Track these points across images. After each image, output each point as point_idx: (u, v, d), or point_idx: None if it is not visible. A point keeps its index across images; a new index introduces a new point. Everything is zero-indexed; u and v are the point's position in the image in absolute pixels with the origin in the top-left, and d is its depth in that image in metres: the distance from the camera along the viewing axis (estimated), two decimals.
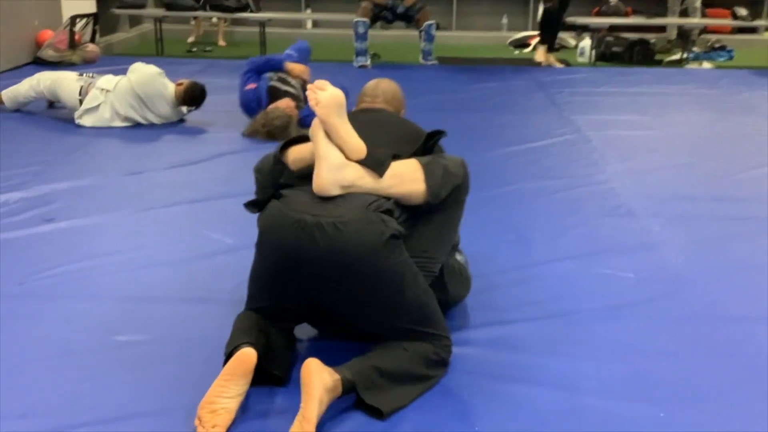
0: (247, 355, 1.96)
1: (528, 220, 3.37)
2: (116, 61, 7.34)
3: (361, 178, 2.08)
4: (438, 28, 9.30)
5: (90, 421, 1.93)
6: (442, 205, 2.19)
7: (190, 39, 8.63)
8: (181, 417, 1.93)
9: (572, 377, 2.16)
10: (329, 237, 1.97)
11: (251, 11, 7.89)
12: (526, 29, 9.29)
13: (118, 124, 4.84)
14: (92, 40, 7.55)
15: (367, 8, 7.26)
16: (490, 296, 2.63)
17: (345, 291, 2.05)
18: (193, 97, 4.92)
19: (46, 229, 3.18)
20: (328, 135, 2.09)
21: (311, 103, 2.10)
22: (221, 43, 8.77)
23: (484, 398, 2.06)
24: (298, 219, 2.01)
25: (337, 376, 1.92)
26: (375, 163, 2.11)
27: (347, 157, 2.09)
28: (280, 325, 2.18)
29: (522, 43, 8.86)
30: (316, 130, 2.10)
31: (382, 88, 2.55)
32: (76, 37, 7.14)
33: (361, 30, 7.22)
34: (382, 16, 7.42)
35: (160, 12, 8.16)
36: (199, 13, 8.30)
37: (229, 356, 2.00)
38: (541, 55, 7.49)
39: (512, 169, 4.13)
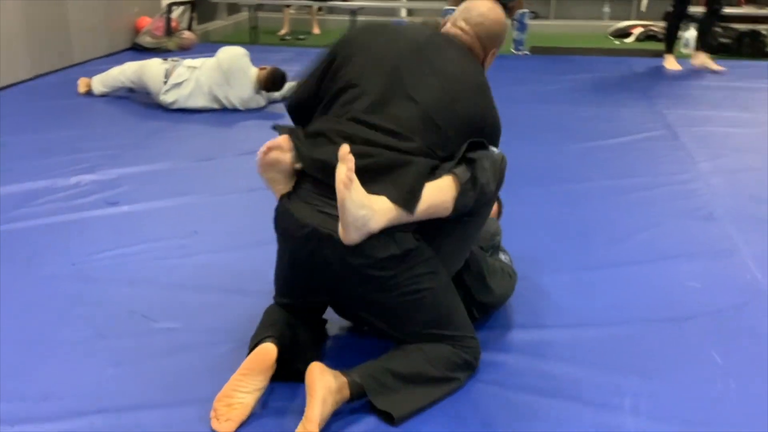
0: (267, 351, 1.92)
1: (595, 220, 3.18)
2: (212, 48, 7.43)
3: (390, 221, 1.85)
4: (535, 16, 9.08)
5: (109, 408, 1.93)
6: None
7: (283, 30, 8.69)
8: (201, 409, 1.91)
9: (616, 396, 2.00)
10: (342, 250, 1.86)
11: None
12: (628, 18, 8.88)
13: (200, 102, 4.90)
14: (189, 27, 7.73)
15: None
16: (535, 299, 2.49)
17: (360, 298, 1.98)
18: (274, 81, 4.95)
19: (109, 212, 3.25)
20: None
21: (258, 155, 1.98)
22: (315, 31, 8.81)
23: (511, 412, 1.93)
24: (311, 230, 1.90)
25: (343, 379, 1.85)
26: (404, 198, 1.85)
27: None
28: (307, 318, 2.13)
29: (623, 33, 8.48)
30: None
31: (480, 12, 2.16)
32: (173, 24, 7.32)
33: None
34: None
35: (256, 0, 8.26)
36: (293, 2, 8.36)
37: (251, 350, 1.97)
38: (699, 58, 6.59)
39: (589, 166, 3.92)
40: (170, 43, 7.23)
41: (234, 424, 1.83)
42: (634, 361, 2.16)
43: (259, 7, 8.24)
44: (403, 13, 9.43)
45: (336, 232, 1.83)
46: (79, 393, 1.99)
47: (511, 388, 2.03)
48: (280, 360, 1.94)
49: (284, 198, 2.01)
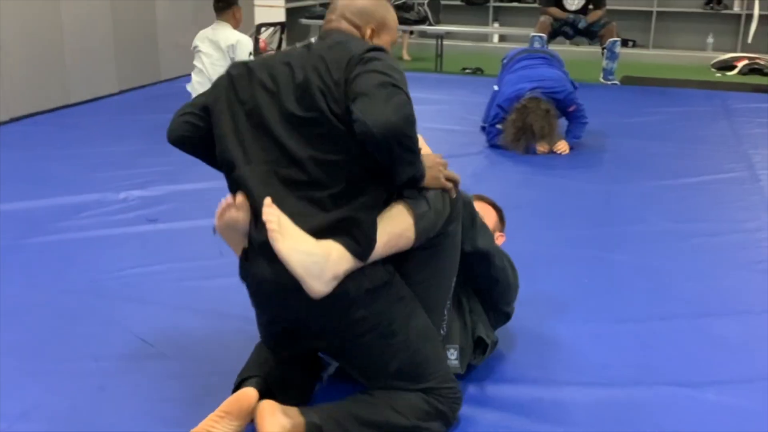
0: (247, 397, 1.82)
1: (641, 267, 2.95)
2: None
3: (350, 264, 1.73)
4: (633, 45, 8.75)
5: None
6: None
7: None
8: None
9: None
10: (307, 301, 1.72)
11: (429, 24, 7.81)
12: (734, 50, 8.42)
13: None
14: (279, 48, 7.86)
15: (545, 23, 6.90)
16: (548, 349, 2.32)
17: (332, 343, 1.88)
18: None
19: (144, 229, 3.27)
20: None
21: (216, 213, 1.83)
22: (405, 57, 8.77)
23: None
24: (273, 283, 1.76)
25: (300, 419, 1.74)
26: (359, 246, 1.73)
27: None
28: (298, 358, 2.03)
29: (727, 66, 8.03)
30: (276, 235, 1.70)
31: None
32: (261, 44, 7.45)
33: (537, 45, 6.87)
34: (562, 31, 7.03)
35: None
36: None
37: (235, 389, 1.89)
38: None
39: (652, 206, 3.67)
40: None
41: None
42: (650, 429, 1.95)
43: None
44: (496, 38, 9.30)
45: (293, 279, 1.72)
46: (55, 414, 1.96)
47: None
48: (273, 396, 1.85)
49: (243, 254, 1.86)
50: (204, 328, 2.43)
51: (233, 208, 1.80)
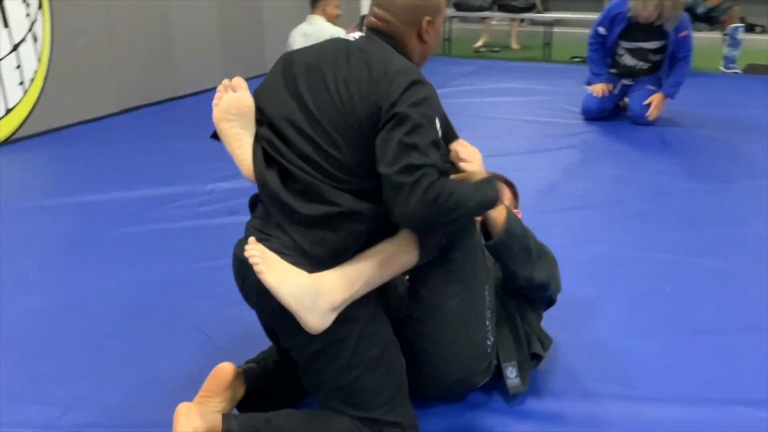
0: (221, 372, 1.83)
1: (730, 273, 2.76)
2: None
3: (351, 287, 1.69)
4: (762, 30, 8.19)
5: (123, 426, 1.96)
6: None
7: (479, 42, 8.55)
8: None
9: None
10: (256, 282, 1.67)
11: (537, 11, 7.59)
12: None
13: None
14: None
15: None
16: (609, 359, 2.21)
17: (284, 341, 1.82)
18: None
19: (225, 221, 3.34)
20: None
21: (213, 102, 1.81)
22: (514, 46, 8.57)
23: None
24: (239, 261, 1.76)
25: (216, 426, 1.69)
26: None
27: (243, 174, 1.79)
28: None
29: None
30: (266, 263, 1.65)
31: None
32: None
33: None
34: None
35: (449, 12, 8.22)
36: (486, 14, 8.21)
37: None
38: None
39: (753, 208, 3.41)
40: None
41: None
42: None
43: (453, 18, 8.18)
44: None
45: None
46: (107, 406, 2.03)
47: None
48: (258, 389, 1.89)
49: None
50: None
51: (229, 88, 1.80)
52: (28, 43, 4.62)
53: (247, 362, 1.97)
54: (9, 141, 4.58)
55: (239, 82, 1.82)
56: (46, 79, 4.76)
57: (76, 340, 2.37)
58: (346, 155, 1.71)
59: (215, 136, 1.88)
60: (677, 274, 2.77)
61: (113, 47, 5.22)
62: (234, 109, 1.80)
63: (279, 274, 1.63)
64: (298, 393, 1.96)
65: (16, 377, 2.15)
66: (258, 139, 1.81)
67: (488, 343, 1.94)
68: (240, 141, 1.80)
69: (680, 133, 4.74)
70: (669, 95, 4.84)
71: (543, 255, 2.09)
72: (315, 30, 5.02)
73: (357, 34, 1.89)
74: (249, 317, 2.47)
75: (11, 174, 4.14)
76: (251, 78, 7.18)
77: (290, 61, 1.86)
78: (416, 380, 1.86)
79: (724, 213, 3.37)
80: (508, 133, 4.73)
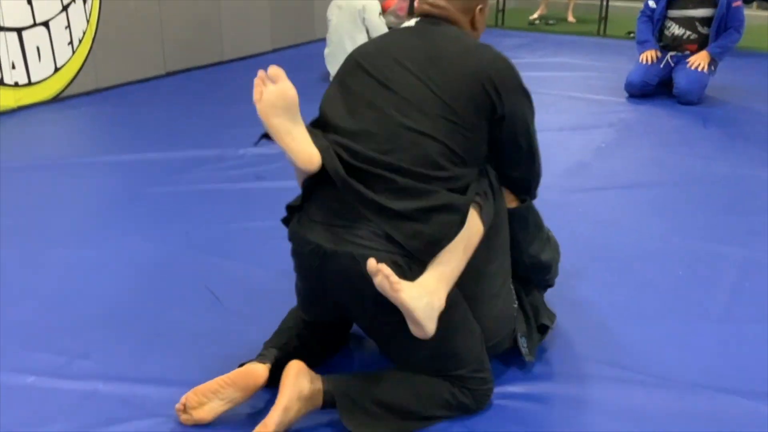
0: (256, 374, 1.84)
1: (758, 262, 2.69)
2: None
3: (447, 289, 1.74)
4: None
5: (124, 378, 2.03)
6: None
7: (536, 14, 8.40)
8: None
9: None
10: (345, 268, 1.73)
11: None
12: None
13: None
14: (410, 8, 7.80)
15: None
16: (612, 343, 2.19)
17: (366, 320, 1.88)
18: None
19: (251, 185, 3.40)
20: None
21: (255, 97, 1.73)
22: (570, 19, 8.40)
23: None
24: (315, 246, 1.77)
25: (320, 386, 1.77)
26: (420, 250, 1.72)
27: (299, 166, 1.72)
28: (326, 329, 2.06)
29: None
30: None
31: None
32: (416, 4, 7.41)
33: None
34: None
35: None
36: None
37: (258, 356, 1.93)
38: None
39: None
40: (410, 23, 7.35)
41: (191, 422, 1.81)
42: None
43: None
44: None
45: (341, 246, 1.72)
46: (111, 358, 2.10)
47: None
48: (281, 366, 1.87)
49: (294, 217, 1.87)
50: (272, 288, 2.49)
51: (267, 80, 1.71)
52: (78, 4, 4.74)
53: (266, 347, 1.96)
54: (57, 99, 4.73)
55: (278, 72, 1.72)
56: (94, 39, 4.88)
57: (93, 294, 2.46)
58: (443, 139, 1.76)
59: (265, 136, 1.81)
60: (695, 261, 2.71)
61: (161, 10, 5.31)
62: (280, 102, 1.70)
63: (408, 289, 1.64)
64: (333, 348, 2.07)
65: (30, 326, 2.25)
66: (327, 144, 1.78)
67: (514, 306, 2.01)
68: (292, 134, 1.72)
69: (725, 116, 4.61)
70: (713, 53, 4.79)
71: (551, 240, 2.18)
72: (347, 3, 5.03)
73: (413, 21, 1.93)
74: (259, 280, 2.55)
75: (56, 130, 4.28)
76: (300, 44, 7.21)
77: (357, 62, 1.90)
78: None
79: (757, 201, 3.27)
80: (548, 108, 4.66)
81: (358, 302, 1.80)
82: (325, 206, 1.78)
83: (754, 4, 6.80)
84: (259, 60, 6.13)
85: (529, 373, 2.05)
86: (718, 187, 3.45)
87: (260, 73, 1.72)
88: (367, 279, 1.67)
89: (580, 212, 3.13)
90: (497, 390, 1.94)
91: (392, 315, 1.71)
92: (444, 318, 1.74)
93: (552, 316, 2.17)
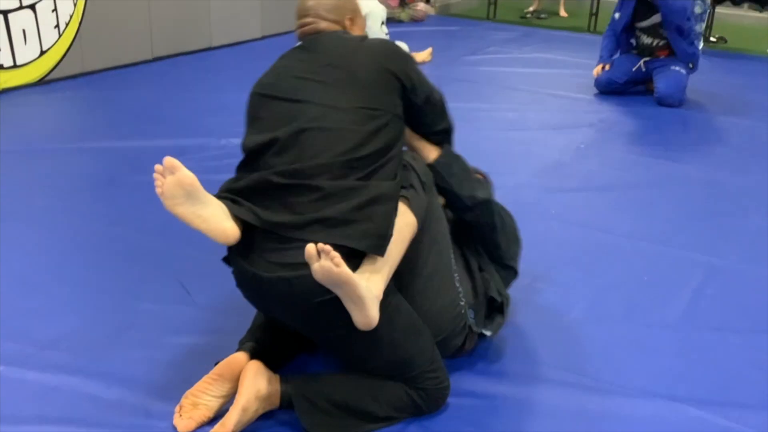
0: (237, 361, 1.90)
1: (723, 269, 2.75)
2: (447, 21, 7.54)
3: (384, 274, 1.78)
4: None
5: (85, 371, 2.08)
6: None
7: (531, 8, 8.40)
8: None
9: None
10: (283, 293, 1.78)
11: None
12: None
13: None
14: (428, 0, 7.81)
15: None
16: (569, 347, 2.25)
17: (315, 335, 1.94)
18: None
19: (229, 177, 3.43)
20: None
21: (157, 192, 1.76)
22: (562, 13, 8.39)
23: None
24: (252, 275, 1.82)
25: (277, 387, 1.82)
26: (374, 246, 1.76)
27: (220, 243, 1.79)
28: None
29: None
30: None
31: None
32: (393, 2, 7.40)
33: (697, 10, 6.35)
34: None
35: None
36: None
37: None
38: None
39: (762, 201, 3.36)
40: (403, 15, 7.35)
41: (194, 424, 1.85)
42: None
43: None
44: None
45: (278, 272, 1.77)
46: (79, 348, 2.15)
47: None
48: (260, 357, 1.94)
49: (233, 249, 1.89)
50: None
51: (166, 171, 1.74)
52: None
53: (244, 340, 2.02)
54: (42, 82, 4.73)
55: (173, 163, 1.75)
56: (81, 23, 4.87)
57: (66, 281, 2.50)
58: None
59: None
60: (661, 266, 2.77)
61: None
62: (180, 191, 1.75)
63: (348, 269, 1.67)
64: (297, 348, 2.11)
65: (1, 312, 2.29)
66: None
67: (461, 303, 2.03)
68: (202, 217, 1.78)
69: (706, 119, 4.66)
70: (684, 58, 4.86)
71: (486, 184, 2.23)
72: None
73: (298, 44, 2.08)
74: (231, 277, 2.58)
75: (40, 113, 4.30)
76: (290, 32, 7.17)
77: (261, 95, 2.00)
78: None
79: (729, 206, 3.32)
80: (530, 106, 4.70)
81: (305, 320, 1.85)
82: (261, 234, 1.82)
83: (745, 4, 6.81)
84: (248, 46, 6.13)
85: (487, 374, 2.10)
86: (692, 190, 3.50)
87: (157, 167, 1.75)
88: (307, 297, 1.74)
89: (553, 213, 3.18)
90: (455, 389, 1.98)
91: (340, 328, 1.77)
92: (389, 325, 1.79)
93: (507, 296, 2.20)
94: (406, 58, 2.03)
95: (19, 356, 2.09)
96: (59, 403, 1.92)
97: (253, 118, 1.99)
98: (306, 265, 1.67)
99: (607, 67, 5.10)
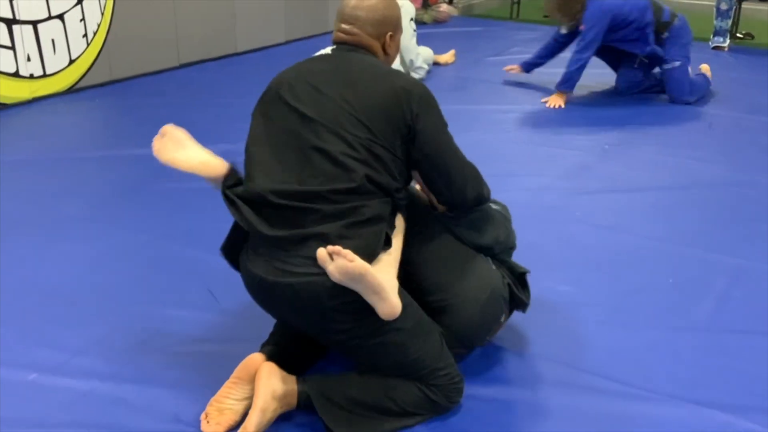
0: (253, 362, 1.93)
1: (749, 271, 2.73)
2: (470, 22, 7.53)
3: (392, 266, 1.87)
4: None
5: (108, 376, 2.12)
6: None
7: None
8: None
9: None
10: (289, 299, 1.83)
11: None
12: None
13: None
14: (450, 1, 7.80)
15: None
16: (589, 349, 2.24)
17: (324, 339, 1.97)
18: None
19: None
20: None
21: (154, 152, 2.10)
22: None
23: None
24: (259, 279, 1.87)
25: (293, 387, 1.86)
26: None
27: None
28: None
29: None
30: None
31: (352, 5, 2.02)
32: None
33: (723, 6, 6.31)
34: None
35: None
36: None
37: None
38: None
39: None
40: (426, 16, 7.36)
41: (221, 428, 1.88)
42: None
43: None
44: None
45: (283, 278, 1.81)
46: (110, 354, 2.19)
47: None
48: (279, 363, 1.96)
49: (243, 252, 1.97)
50: None
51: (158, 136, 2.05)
52: None
53: (265, 345, 2.06)
54: (71, 90, 4.82)
55: (164, 128, 2.13)
56: (108, 31, 4.95)
57: (95, 289, 2.55)
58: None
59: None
60: (687, 268, 2.75)
61: (175, 1, 5.37)
62: (169, 145, 2.12)
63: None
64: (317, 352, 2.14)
65: (33, 320, 2.34)
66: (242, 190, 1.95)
67: (501, 276, 2.09)
68: (187, 158, 2.12)
69: (733, 118, 4.60)
70: (560, 90, 4.78)
71: (494, 219, 2.17)
72: None
73: (329, 49, 2.08)
74: None
75: (70, 122, 4.38)
76: (313, 36, 7.22)
77: (277, 94, 2.00)
78: None
79: (755, 208, 3.29)
80: (551, 107, 4.68)
81: (313, 325, 1.89)
82: (266, 238, 1.85)
83: None
84: (273, 51, 6.18)
85: (511, 377, 2.12)
86: (718, 192, 3.48)
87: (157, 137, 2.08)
88: (314, 303, 1.78)
89: (578, 216, 3.17)
90: (473, 393, 2.00)
91: (347, 331, 1.82)
92: (402, 328, 1.84)
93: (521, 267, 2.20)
94: (424, 100, 1.93)
95: (50, 363, 2.14)
96: (91, 409, 1.96)
97: (264, 115, 2.02)
98: (310, 273, 1.75)
99: (518, 70, 5.06)
